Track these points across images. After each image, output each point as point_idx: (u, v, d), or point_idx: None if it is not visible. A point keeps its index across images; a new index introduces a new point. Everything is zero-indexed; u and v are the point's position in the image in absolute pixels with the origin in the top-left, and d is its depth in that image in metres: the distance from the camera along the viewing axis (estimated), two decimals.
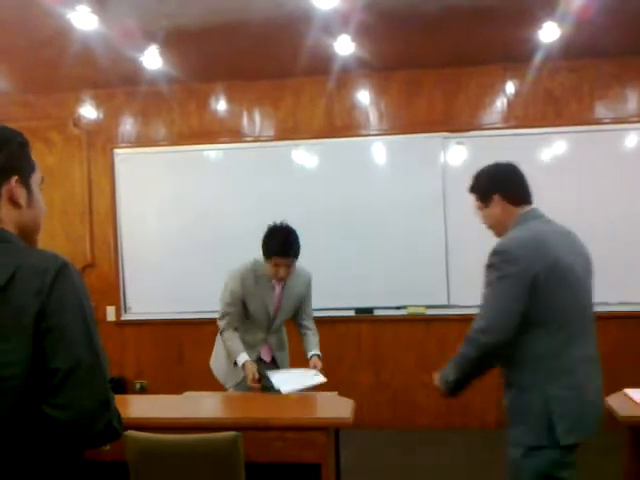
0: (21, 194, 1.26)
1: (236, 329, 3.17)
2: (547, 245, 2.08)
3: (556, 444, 2.01)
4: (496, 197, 2.23)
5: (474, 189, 2.33)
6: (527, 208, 2.23)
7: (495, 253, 2.11)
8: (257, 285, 3.17)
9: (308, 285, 3.33)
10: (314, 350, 3.24)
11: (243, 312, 3.20)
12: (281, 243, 3.01)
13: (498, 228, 2.28)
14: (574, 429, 2.02)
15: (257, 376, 3.02)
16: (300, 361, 3.32)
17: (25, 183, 1.28)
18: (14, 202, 1.25)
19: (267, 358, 3.31)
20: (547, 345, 2.04)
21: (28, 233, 1.29)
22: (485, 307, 2.11)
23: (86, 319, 1.17)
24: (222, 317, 3.19)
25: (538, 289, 2.02)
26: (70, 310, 1.15)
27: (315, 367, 3.14)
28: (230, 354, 3.15)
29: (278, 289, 3.22)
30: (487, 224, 2.33)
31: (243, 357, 3.06)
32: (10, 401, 1.11)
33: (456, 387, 2.21)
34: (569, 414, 2.02)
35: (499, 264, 2.07)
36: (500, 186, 2.24)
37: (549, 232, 2.15)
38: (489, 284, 2.10)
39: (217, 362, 3.35)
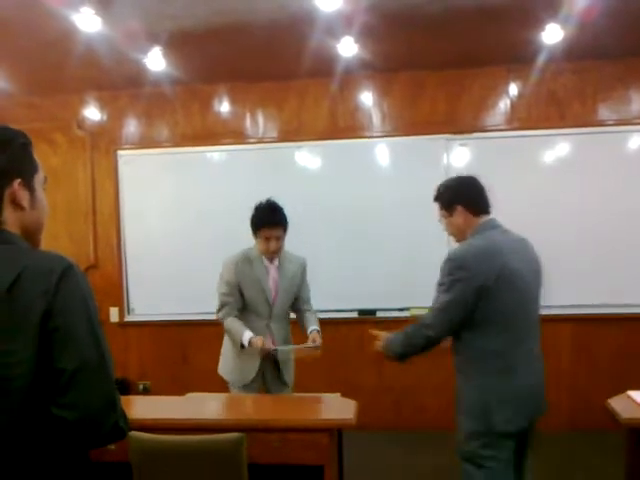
0: (24, 196, 1.26)
1: (236, 317, 3.19)
2: (500, 253, 2.30)
3: (493, 431, 2.25)
4: (459, 208, 2.48)
5: (438, 199, 2.58)
6: (486, 218, 2.46)
7: (449, 259, 2.36)
8: (252, 269, 3.20)
9: (303, 269, 3.36)
10: (313, 326, 3.27)
11: (241, 302, 3.21)
12: (267, 213, 3.15)
13: (459, 235, 2.53)
14: (512, 420, 2.26)
15: (267, 343, 3.07)
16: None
17: (28, 185, 1.28)
18: (17, 204, 1.25)
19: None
20: (495, 343, 2.27)
21: (31, 234, 1.30)
22: (434, 306, 2.38)
23: (91, 319, 1.18)
24: (220, 308, 3.22)
25: (489, 292, 2.24)
26: (76, 310, 1.16)
27: (314, 341, 3.16)
28: (235, 339, 3.14)
29: (273, 271, 3.24)
30: (449, 231, 2.58)
31: (248, 335, 3.07)
32: (17, 401, 1.12)
33: (401, 358, 2.53)
34: (509, 406, 2.25)
35: (452, 269, 2.32)
36: (462, 197, 2.48)
37: (504, 241, 2.37)
38: (442, 286, 2.35)
39: (225, 363, 3.35)
